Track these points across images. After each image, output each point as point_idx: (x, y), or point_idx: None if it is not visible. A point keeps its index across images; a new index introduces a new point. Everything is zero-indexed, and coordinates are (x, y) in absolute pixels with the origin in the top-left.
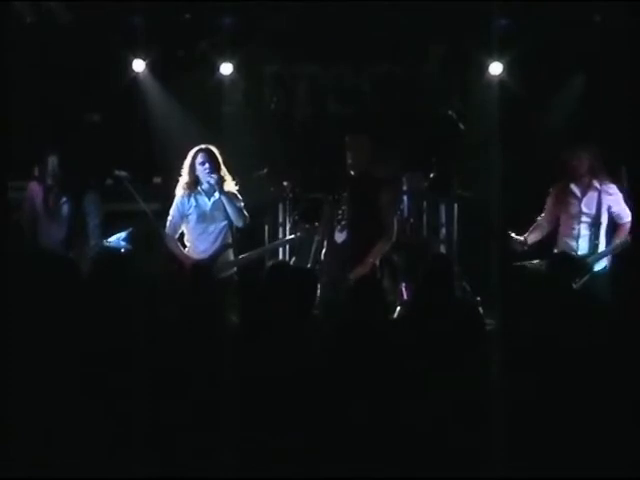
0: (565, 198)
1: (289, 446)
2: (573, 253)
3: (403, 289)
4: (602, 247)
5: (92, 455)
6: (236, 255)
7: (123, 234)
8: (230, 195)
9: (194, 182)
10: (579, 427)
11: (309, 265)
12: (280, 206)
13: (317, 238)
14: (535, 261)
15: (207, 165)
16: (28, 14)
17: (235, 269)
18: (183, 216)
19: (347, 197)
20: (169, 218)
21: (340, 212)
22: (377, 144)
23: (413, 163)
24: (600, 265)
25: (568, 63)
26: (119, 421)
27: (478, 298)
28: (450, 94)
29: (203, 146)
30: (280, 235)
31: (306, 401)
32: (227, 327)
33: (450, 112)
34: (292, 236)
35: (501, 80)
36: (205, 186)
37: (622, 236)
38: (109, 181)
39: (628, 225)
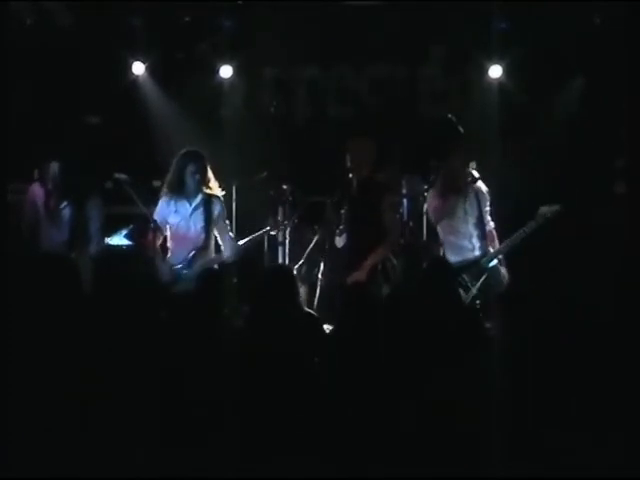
0: (448, 204)
1: (288, 446)
2: (470, 254)
3: None
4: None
5: (92, 456)
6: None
7: (124, 231)
8: (221, 220)
9: (179, 184)
10: (579, 427)
11: (302, 261)
12: (280, 209)
13: (316, 239)
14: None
15: (198, 176)
16: (28, 16)
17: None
18: (164, 221)
19: (347, 200)
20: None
21: (340, 216)
22: (376, 146)
23: (412, 166)
24: (492, 262)
25: (568, 65)
26: (119, 421)
27: (477, 301)
28: (450, 96)
29: (195, 150)
30: (280, 239)
31: (305, 401)
32: (227, 327)
33: (450, 114)
34: (259, 233)
35: (500, 82)
36: (189, 188)
37: (495, 241)
38: (109, 184)
39: (493, 231)
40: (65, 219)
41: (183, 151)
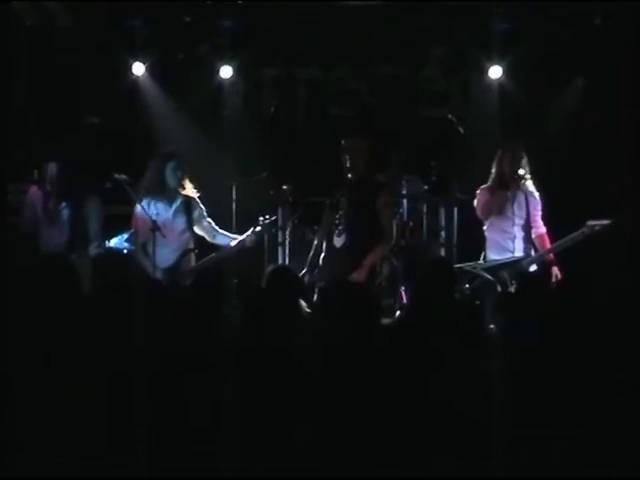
0: (497, 201)
1: (288, 446)
2: (509, 255)
3: (402, 293)
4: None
5: (92, 455)
6: (197, 259)
7: (125, 235)
8: (204, 220)
9: (160, 184)
10: (578, 426)
11: (305, 269)
12: (279, 210)
13: (315, 242)
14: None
15: (179, 172)
16: (28, 16)
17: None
18: (145, 228)
19: (345, 201)
20: (134, 230)
21: (338, 216)
22: (377, 147)
23: (412, 166)
24: (533, 267)
25: (568, 65)
26: (119, 422)
27: (478, 302)
28: (450, 97)
29: (174, 152)
30: (280, 239)
31: (304, 404)
32: (228, 329)
33: (450, 115)
34: (248, 233)
35: (501, 83)
36: (169, 191)
37: (547, 246)
38: (108, 184)
39: (546, 235)
40: (64, 220)
41: (161, 152)
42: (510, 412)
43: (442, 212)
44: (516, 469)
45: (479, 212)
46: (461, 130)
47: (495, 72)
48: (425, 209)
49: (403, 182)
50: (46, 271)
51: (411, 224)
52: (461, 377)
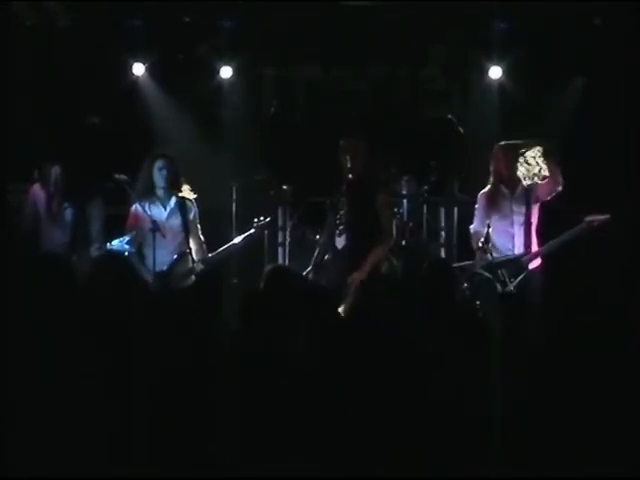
0: (496, 200)
1: (287, 447)
2: (509, 253)
3: None
4: (535, 246)
5: (90, 455)
6: (193, 262)
7: (126, 237)
8: (194, 224)
9: (150, 186)
10: (578, 428)
11: (310, 267)
12: (279, 210)
13: (321, 241)
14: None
15: (165, 172)
16: (28, 16)
17: (193, 277)
18: (140, 228)
19: (345, 201)
20: (131, 235)
21: (338, 217)
22: (376, 147)
23: (412, 166)
24: (534, 264)
25: (568, 66)
26: (118, 423)
27: (477, 302)
28: (450, 97)
29: (162, 152)
30: (280, 239)
31: (303, 403)
32: (227, 330)
33: (450, 115)
34: (242, 236)
35: (501, 83)
36: (160, 192)
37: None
38: (109, 185)
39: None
40: (67, 220)
41: (151, 154)
42: (511, 412)
43: (442, 212)
44: (516, 469)
45: (482, 211)
46: (461, 130)
47: (495, 72)
48: (425, 209)
49: (403, 182)
50: (45, 271)
51: (411, 224)
52: (461, 378)
